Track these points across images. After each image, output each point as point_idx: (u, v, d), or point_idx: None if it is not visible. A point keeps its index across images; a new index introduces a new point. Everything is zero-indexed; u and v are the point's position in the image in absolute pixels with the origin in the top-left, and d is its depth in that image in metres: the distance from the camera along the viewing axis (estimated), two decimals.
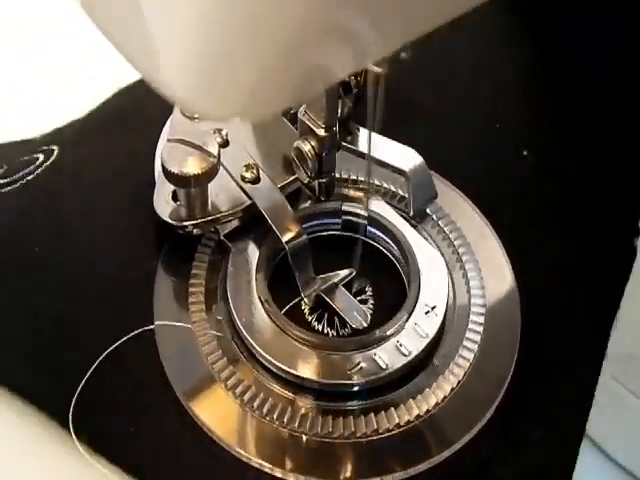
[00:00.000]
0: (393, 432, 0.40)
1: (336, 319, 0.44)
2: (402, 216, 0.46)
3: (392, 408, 0.41)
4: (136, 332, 0.43)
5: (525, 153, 0.51)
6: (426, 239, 0.45)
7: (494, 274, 0.45)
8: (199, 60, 0.26)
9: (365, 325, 0.43)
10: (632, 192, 0.49)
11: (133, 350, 0.43)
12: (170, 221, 0.44)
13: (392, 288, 0.45)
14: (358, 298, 0.44)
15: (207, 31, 0.24)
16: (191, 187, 0.43)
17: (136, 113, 0.52)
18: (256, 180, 0.45)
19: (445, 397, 0.41)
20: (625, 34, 0.54)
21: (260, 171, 0.45)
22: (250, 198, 0.45)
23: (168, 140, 0.44)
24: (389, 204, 0.46)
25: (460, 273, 0.45)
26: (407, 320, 0.42)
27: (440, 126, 0.53)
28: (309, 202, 0.46)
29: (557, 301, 0.46)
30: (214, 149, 0.43)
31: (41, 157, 0.50)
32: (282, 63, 0.26)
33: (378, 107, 0.37)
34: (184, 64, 0.26)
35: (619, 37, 0.54)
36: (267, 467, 0.39)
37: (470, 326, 0.43)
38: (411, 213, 0.46)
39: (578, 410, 0.42)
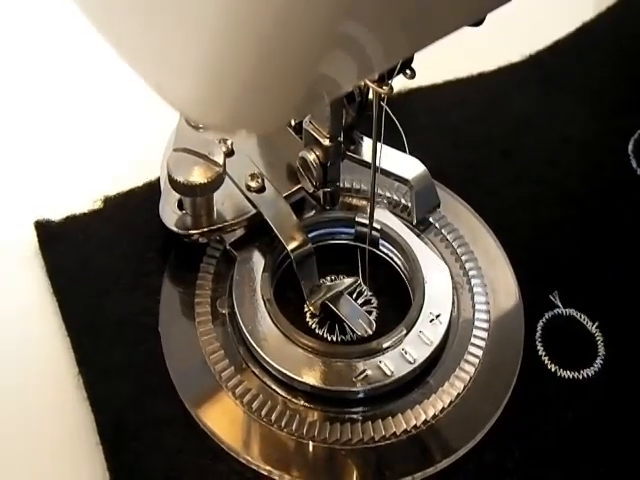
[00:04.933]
0: (400, 438, 0.41)
1: (337, 326, 0.44)
2: (406, 225, 0.46)
3: (399, 414, 0.41)
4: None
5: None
6: (430, 248, 0.46)
7: (499, 286, 0.46)
8: (206, 74, 0.26)
9: (370, 333, 0.43)
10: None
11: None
12: (176, 230, 0.45)
13: (397, 296, 0.45)
14: (363, 306, 0.44)
15: (215, 46, 0.25)
16: (197, 196, 0.43)
17: None
18: (261, 189, 0.45)
19: (451, 402, 0.41)
20: None
21: (265, 180, 0.45)
22: (255, 207, 0.45)
23: (174, 149, 0.44)
24: (393, 213, 0.47)
25: (464, 279, 0.45)
26: (412, 328, 0.42)
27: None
28: (314, 211, 0.47)
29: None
30: (220, 158, 0.43)
31: None
32: (288, 77, 0.26)
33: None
34: (192, 77, 0.27)
35: None
36: (275, 474, 0.40)
37: (475, 332, 0.44)
38: (414, 221, 0.47)
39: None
